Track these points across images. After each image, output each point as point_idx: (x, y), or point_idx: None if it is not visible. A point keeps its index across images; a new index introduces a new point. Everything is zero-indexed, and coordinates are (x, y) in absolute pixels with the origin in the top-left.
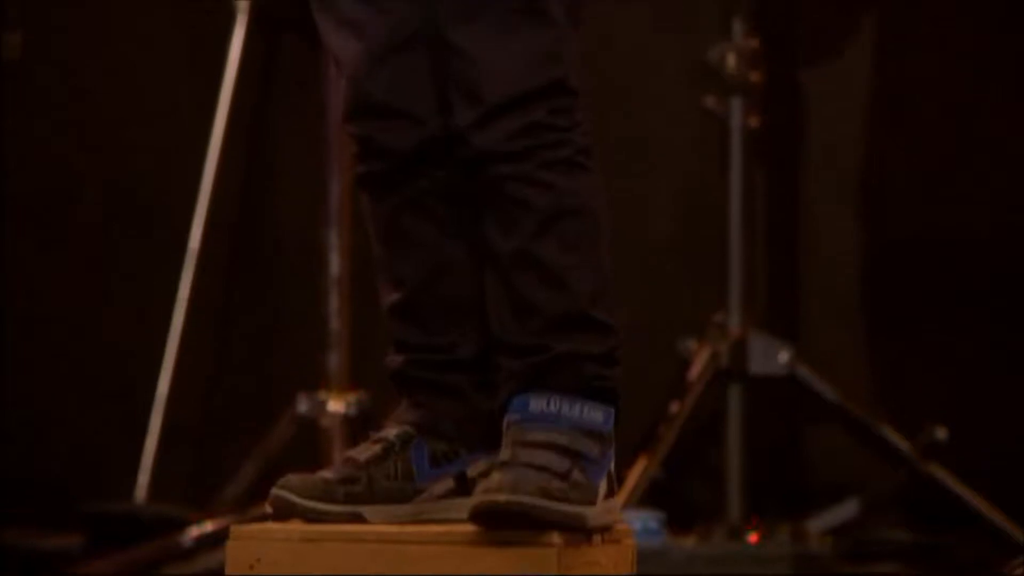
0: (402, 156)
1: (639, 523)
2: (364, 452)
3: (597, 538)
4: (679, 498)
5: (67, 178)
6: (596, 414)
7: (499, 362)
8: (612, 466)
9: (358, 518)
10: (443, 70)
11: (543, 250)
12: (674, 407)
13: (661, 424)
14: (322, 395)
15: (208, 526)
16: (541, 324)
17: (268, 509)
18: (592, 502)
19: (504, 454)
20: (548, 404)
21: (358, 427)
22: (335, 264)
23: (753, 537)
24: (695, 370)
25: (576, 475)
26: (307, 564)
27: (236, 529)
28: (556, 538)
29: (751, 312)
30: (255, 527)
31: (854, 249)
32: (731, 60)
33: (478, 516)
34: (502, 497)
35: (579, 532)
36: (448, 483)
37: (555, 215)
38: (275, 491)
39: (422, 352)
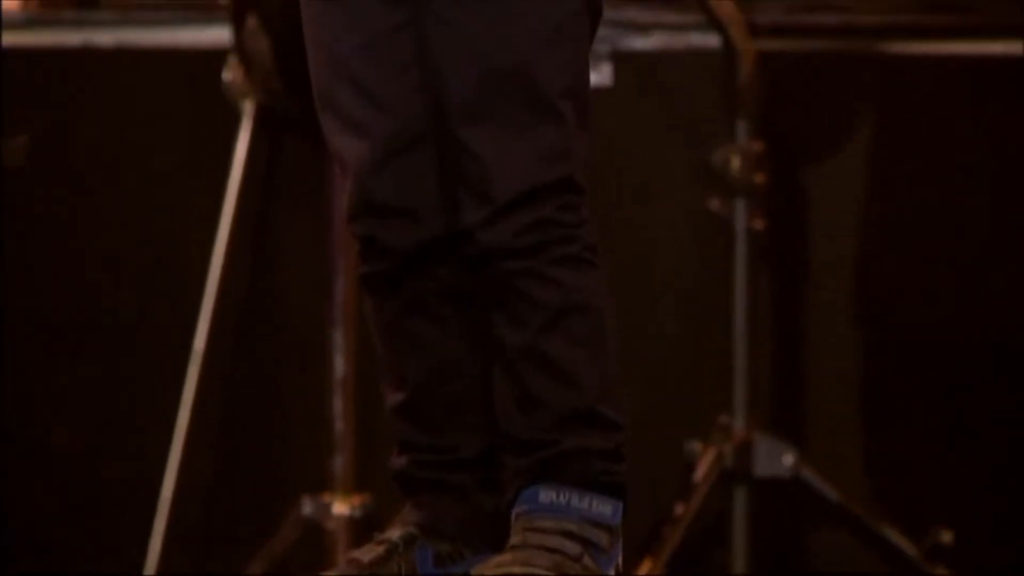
0: (404, 255)
1: None
2: (367, 553)
3: None
4: None
5: (71, 281)
6: (605, 507)
7: (505, 460)
8: (620, 560)
9: None
10: (448, 168)
11: (551, 346)
12: (679, 509)
13: (665, 526)
14: (327, 497)
15: None
16: (549, 419)
17: None
18: None
19: (514, 539)
20: (557, 495)
21: (363, 530)
22: (340, 365)
23: None
24: (700, 472)
25: (587, 560)
26: None
27: None
28: None
29: (756, 414)
30: None
31: (859, 351)
32: (735, 163)
33: None
34: (517, 569)
35: None
36: None
37: (563, 311)
38: None
39: (425, 452)
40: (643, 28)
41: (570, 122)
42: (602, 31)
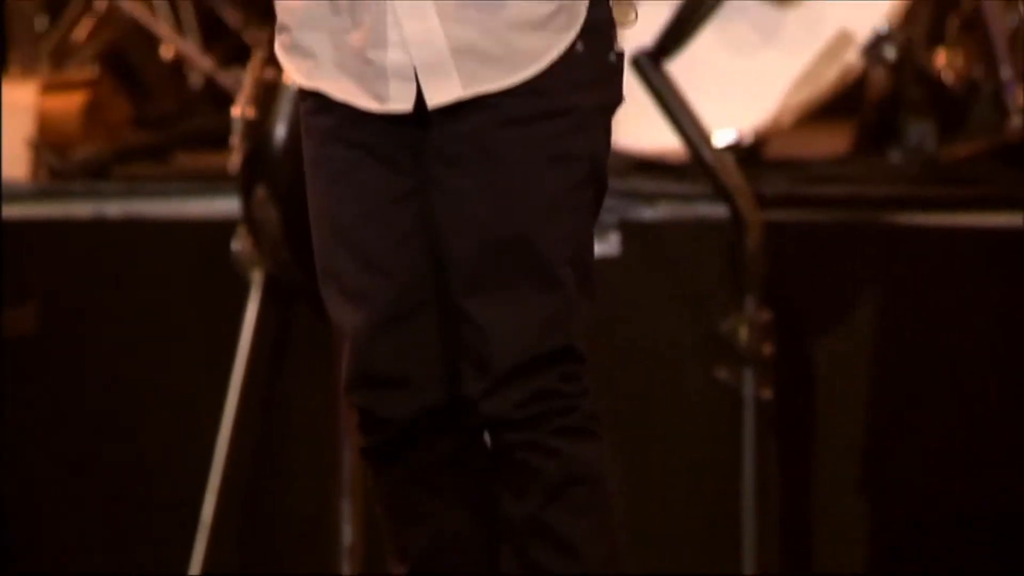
0: (402, 426)
1: None
2: None
3: None
4: None
5: (76, 451)
6: None
7: None
8: None
9: None
10: (448, 337)
11: (553, 517)
12: None
13: None
14: None
15: None
16: None
17: None
18: None
19: None
20: None
21: None
22: (347, 534)
23: None
24: None
25: None
26: None
27: None
28: None
29: None
30: None
31: (868, 521)
32: (743, 332)
33: None
34: None
35: None
36: None
37: (564, 482)
38: None
39: None
40: (650, 198)
41: (571, 292)
42: (609, 201)
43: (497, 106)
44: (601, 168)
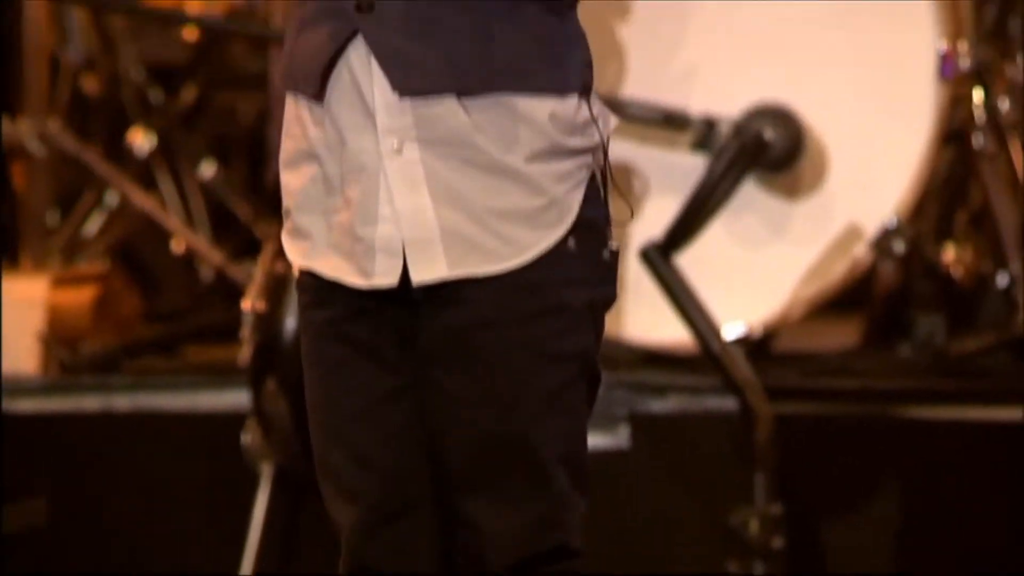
0: None
1: None
2: None
3: None
4: None
5: None
6: None
7: None
8: None
9: None
10: (442, 535)
11: None
12: None
13: None
14: None
15: None
16: None
17: None
18: None
19: None
20: None
21: None
22: None
23: None
24: None
25: None
26: None
27: None
28: None
29: None
30: None
31: None
32: (753, 525)
33: None
34: None
35: None
36: None
37: None
38: None
39: None
40: (660, 390)
41: (564, 489)
42: (619, 393)
43: (485, 302)
44: (592, 364)
